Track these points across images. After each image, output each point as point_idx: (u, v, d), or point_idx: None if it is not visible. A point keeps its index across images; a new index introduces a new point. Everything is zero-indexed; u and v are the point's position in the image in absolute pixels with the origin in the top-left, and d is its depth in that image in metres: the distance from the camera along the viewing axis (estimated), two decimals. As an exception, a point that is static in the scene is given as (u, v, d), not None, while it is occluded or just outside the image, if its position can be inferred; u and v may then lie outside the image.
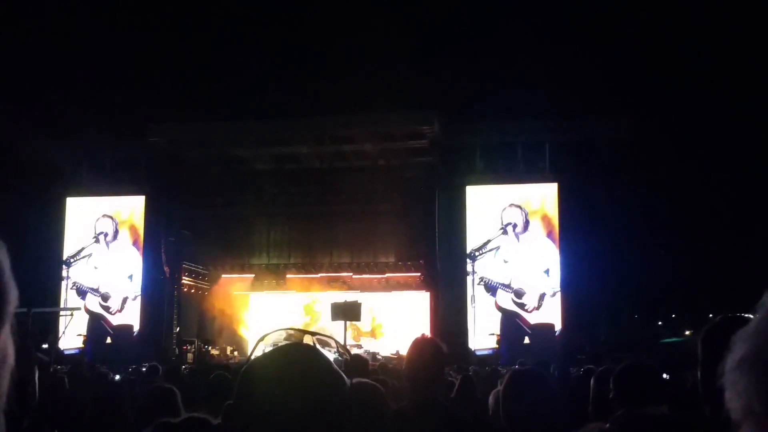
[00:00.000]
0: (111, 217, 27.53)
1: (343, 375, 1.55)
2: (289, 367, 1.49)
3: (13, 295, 0.95)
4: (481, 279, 25.02)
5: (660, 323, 30.50)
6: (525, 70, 24.59)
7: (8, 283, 0.95)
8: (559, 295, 24.62)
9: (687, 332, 26.63)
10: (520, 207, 25.30)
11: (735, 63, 24.35)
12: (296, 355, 1.54)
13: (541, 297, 24.75)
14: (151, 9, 27.27)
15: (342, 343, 20.16)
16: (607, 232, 23.96)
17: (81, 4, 26.37)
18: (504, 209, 25.32)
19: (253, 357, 1.56)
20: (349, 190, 28.20)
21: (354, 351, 22.10)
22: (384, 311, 28.19)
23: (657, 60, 25.10)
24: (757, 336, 0.86)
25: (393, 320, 27.92)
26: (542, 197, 25.38)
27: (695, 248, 25.45)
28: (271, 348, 1.61)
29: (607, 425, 2.05)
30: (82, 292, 27.15)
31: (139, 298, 27.02)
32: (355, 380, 3.32)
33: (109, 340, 26.21)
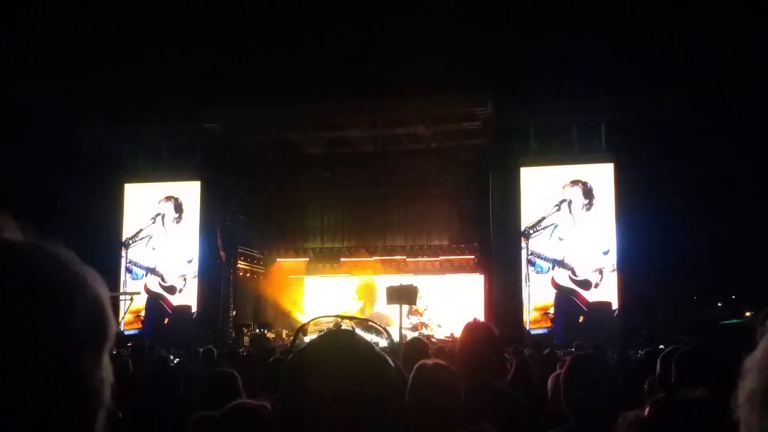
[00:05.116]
0: (173, 198, 27.98)
1: (387, 357, 1.57)
2: (335, 354, 1.51)
3: (113, 323, 0.98)
4: (531, 253, 24.82)
5: (720, 304, 29.95)
6: (579, 48, 24.20)
7: (110, 315, 0.98)
8: (616, 274, 24.31)
9: (747, 313, 26.10)
10: (581, 182, 24.97)
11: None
12: (339, 342, 1.57)
13: (599, 273, 24.43)
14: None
15: (398, 326, 20.23)
16: (666, 211, 23.56)
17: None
18: (565, 186, 25.03)
19: (296, 345, 1.59)
20: (402, 173, 28.20)
21: (410, 336, 22.13)
22: (438, 294, 28.02)
23: (714, 35, 24.50)
24: (765, 367, 0.78)
25: (447, 303, 27.82)
26: (598, 177, 25.04)
27: (756, 227, 24.89)
28: (314, 335, 1.64)
29: (647, 411, 2.02)
30: (142, 270, 27.70)
31: (196, 279, 27.47)
32: (432, 362, 3.32)
33: (166, 321, 26.79)
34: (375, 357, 1.53)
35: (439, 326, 25.79)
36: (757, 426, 0.76)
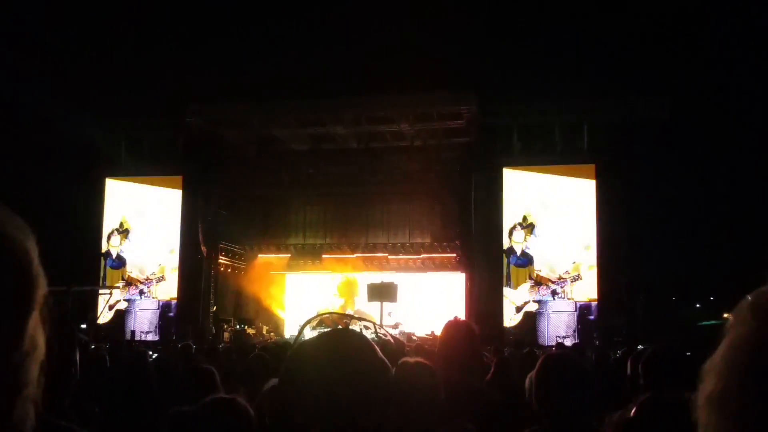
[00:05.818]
0: (155, 192, 27.82)
1: (387, 361, 1.57)
2: (335, 353, 1.51)
3: (42, 282, 0.81)
4: (512, 250, 24.89)
5: (698, 305, 30.18)
6: (564, 50, 24.32)
7: (37, 271, 0.81)
8: (596, 274, 24.42)
9: (725, 315, 26.30)
10: (563, 182, 25.06)
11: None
12: (342, 342, 1.57)
13: (580, 273, 24.55)
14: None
15: (379, 324, 20.23)
16: (646, 213, 23.72)
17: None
18: (545, 185, 25.12)
19: (299, 340, 1.60)
20: (385, 171, 28.16)
21: (390, 332, 22.09)
22: (419, 292, 28.07)
23: (697, 39, 24.68)
24: (725, 370, 0.80)
25: (428, 301, 27.86)
26: (580, 178, 25.13)
27: (734, 229, 25.12)
28: (312, 332, 1.65)
29: (632, 412, 2.03)
30: (121, 263, 27.54)
31: (177, 274, 27.32)
32: (413, 360, 3.33)
33: (145, 316, 26.67)
34: (375, 361, 1.54)
35: (400, 324, 25.72)
36: (714, 427, 0.77)
